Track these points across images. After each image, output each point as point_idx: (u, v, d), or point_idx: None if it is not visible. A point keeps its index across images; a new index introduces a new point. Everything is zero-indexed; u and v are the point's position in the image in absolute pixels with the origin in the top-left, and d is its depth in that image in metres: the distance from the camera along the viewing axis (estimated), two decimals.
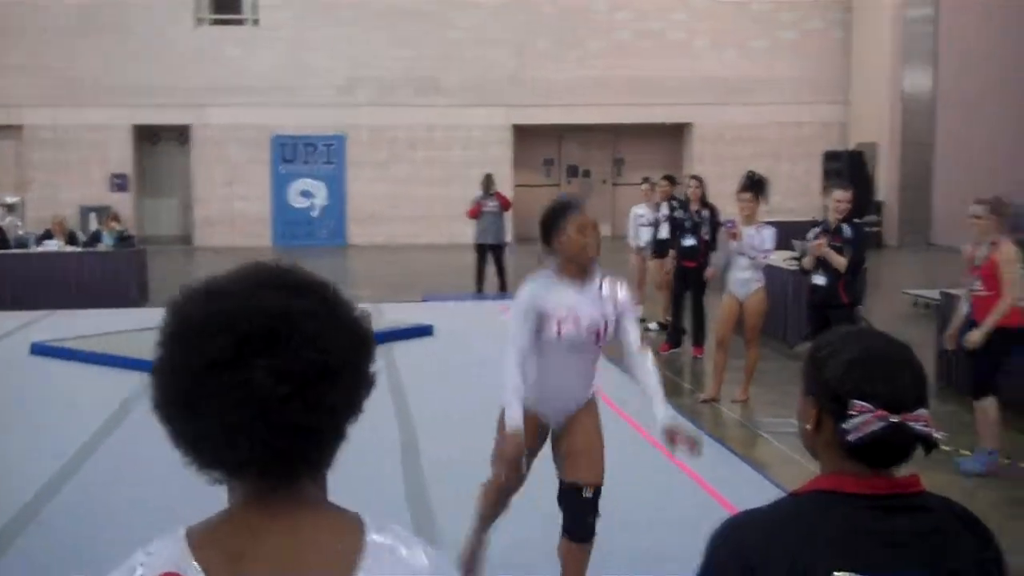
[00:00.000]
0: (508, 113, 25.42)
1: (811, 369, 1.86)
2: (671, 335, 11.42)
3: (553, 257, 4.47)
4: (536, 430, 4.56)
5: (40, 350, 10.78)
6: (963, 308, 7.23)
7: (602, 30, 25.54)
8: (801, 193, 23.43)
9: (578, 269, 4.41)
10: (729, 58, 25.70)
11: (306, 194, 25.13)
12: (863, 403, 1.74)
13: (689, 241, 10.96)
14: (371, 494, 6.24)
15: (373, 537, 1.44)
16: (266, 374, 1.38)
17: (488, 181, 15.45)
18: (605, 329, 4.39)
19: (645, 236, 12.73)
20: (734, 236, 8.82)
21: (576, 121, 25.76)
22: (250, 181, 24.95)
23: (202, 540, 1.41)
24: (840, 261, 8.02)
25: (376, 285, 17.27)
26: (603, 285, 4.46)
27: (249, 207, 24.93)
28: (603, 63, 25.45)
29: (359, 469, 6.74)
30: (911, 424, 1.74)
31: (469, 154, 24.92)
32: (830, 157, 12.45)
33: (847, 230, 8.10)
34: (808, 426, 1.84)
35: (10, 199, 18.62)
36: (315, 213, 25.18)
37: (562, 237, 4.39)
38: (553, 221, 4.43)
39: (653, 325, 12.64)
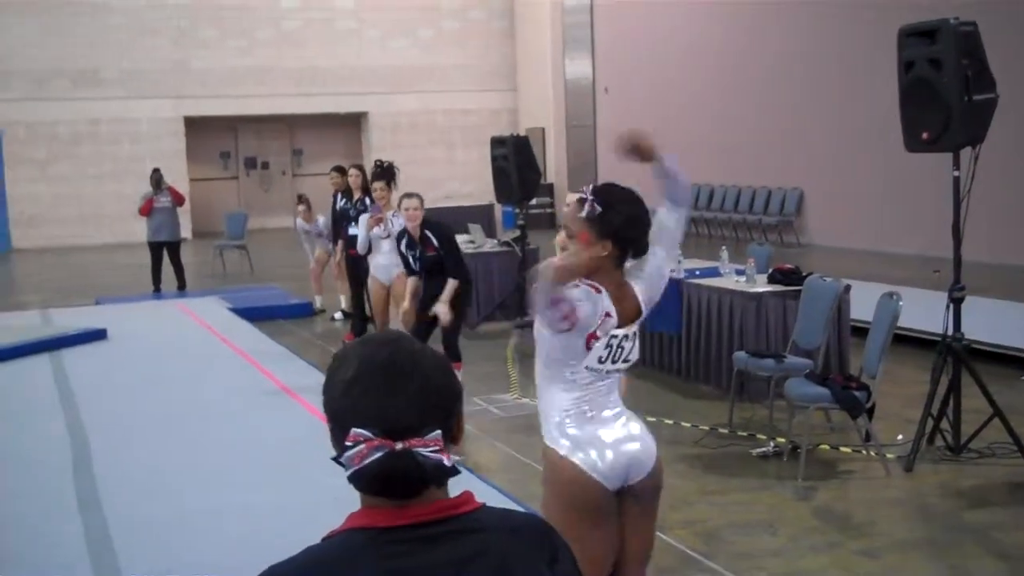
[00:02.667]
0: (177, 104, 24.64)
1: (323, 387, 1.58)
2: (355, 324, 11.50)
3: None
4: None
5: None
6: None
7: (268, 19, 25.21)
8: (476, 178, 24.16)
9: None
10: (399, 47, 26.05)
11: None
12: (360, 431, 1.47)
13: (353, 230, 11.06)
14: (41, 508, 6.02)
15: None
16: None
17: (157, 176, 14.95)
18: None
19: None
20: (379, 221, 9.08)
21: (249, 112, 25.34)
22: None
23: None
24: (449, 289, 7.76)
25: (44, 290, 16.39)
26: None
27: None
28: (272, 52, 25.16)
29: (28, 482, 6.49)
30: (419, 451, 1.47)
31: (139, 148, 24.01)
32: (496, 143, 12.86)
33: (432, 238, 7.91)
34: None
35: None
36: None
37: None
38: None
39: (338, 315, 12.72)
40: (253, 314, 12.62)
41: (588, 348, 3.33)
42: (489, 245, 12.60)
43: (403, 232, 8.17)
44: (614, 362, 3.40)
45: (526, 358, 10.25)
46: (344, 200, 11.39)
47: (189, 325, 12.22)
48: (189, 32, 24.66)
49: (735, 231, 19.61)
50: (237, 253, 17.72)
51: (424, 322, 8.12)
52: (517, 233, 12.36)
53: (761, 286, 8.30)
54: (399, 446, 1.46)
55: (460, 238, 11.92)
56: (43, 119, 23.74)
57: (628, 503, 3.39)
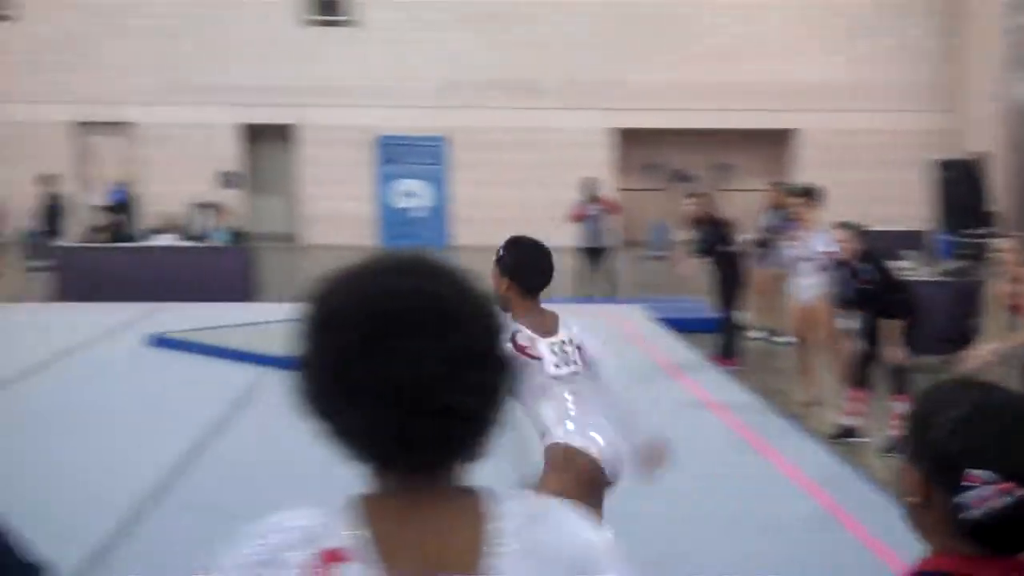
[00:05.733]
0: (607, 116, 25.40)
1: (914, 428, 1.51)
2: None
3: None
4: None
5: (157, 342, 11.07)
6: None
7: (700, 33, 25.38)
8: (903, 202, 23.03)
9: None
10: (831, 63, 25.38)
11: (409, 195, 25.46)
12: (982, 471, 1.41)
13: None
14: None
15: (508, 505, 1.38)
16: (415, 356, 1.31)
17: (589, 185, 15.43)
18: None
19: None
20: (795, 240, 8.86)
21: (676, 125, 25.62)
22: (354, 181, 25.33)
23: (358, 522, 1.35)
24: (894, 330, 7.62)
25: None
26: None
27: (353, 207, 25.28)
28: (701, 67, 25.30)
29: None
30: None
31: (568, 156, 24.92)
32: (946, 166, 12.19)
33: (868, 271, 7.72)
34: (914, 500, 1.49)
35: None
36: (418, 214, 25.50)
37: None
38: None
39: (759, 333, 12.50)
40: (677, 325, 12.72)
41: (539, 359, 4.11)
42: (926, 274, 11.95)
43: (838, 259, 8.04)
44: (568, 364, 4.16)
45: None
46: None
47: (613, 332, 12.50)
48: (622, 47, 25.33)
49: None
50: (661, 264, 17.96)
51: (865, 355, 7.92)
52: (961, 263, 11.65)
53: None
54: None
55: (896, 264, 11.45)
56: (483, 126, 25.28)
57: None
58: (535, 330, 4.20)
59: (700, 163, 27.17)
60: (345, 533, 1.34)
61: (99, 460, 7.06)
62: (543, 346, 4.17)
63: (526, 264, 4.32)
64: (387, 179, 25.40)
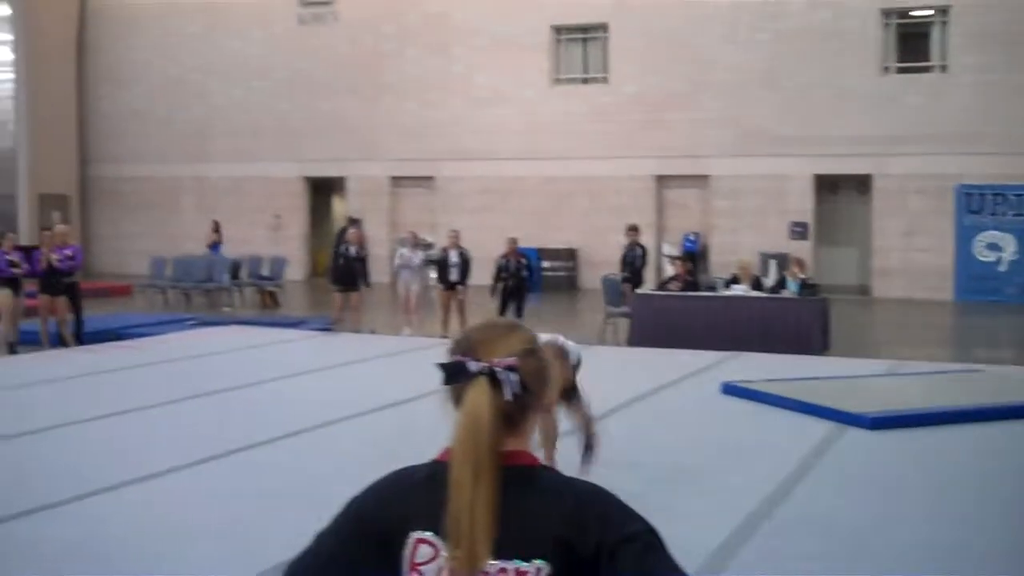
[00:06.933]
0: None
1: None
2: None
3: None
4: None
5: (730, 390, 11.18)
6: None
7: None
8: None
9: None
10: None
11: (993, 247, 23.74)
12: None
13: None
14: None
15: None
16: None
17: None
18: None
19: None
20: None
21: None
22: (931, 232, 24.17)
23: None
24: None
25: None
26: None
27: (929, 259, 24.13)
28: None
29: None
30: None
31: None
32: None
33: None
34: None
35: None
36: (1002, 268, 23.69)
37: None
38: None
39: None
40: None
41: None
42: None
43: None
44: None
45: None
46: None
47: None
48: None
49: None
50: None
51: None
52: None
53: None
54: None
55: None
56: None
57: None
58: None
59: None
60: None
61: (673, 502, 7.19)
62: None
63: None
64: (968, 230, 23.90)
